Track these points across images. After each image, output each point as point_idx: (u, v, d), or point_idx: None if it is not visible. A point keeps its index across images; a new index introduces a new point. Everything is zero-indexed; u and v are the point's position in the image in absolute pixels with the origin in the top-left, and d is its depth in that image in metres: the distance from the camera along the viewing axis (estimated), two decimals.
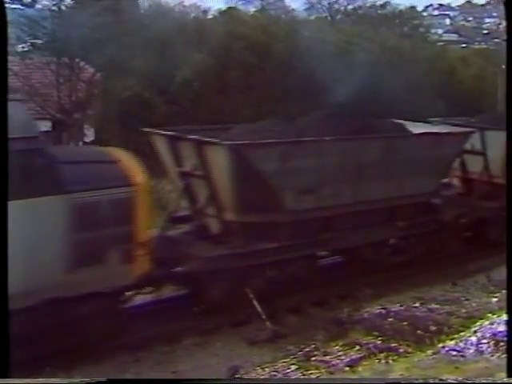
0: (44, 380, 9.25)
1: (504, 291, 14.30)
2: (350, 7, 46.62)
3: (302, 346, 11.75)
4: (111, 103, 25.10)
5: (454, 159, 16.60)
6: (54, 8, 23.57)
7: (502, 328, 9.92)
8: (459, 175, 18.16)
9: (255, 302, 12.53)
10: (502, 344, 9.54)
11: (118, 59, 24.19)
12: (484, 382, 7.87)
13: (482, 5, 79.17)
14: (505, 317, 10.18)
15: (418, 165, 15.12)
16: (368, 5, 46.23)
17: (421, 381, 7.93)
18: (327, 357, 11.15)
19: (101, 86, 25.02)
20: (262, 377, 10.46)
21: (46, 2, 23.55)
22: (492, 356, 9.34)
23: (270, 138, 13.46)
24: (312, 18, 43.82)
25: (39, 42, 23.02)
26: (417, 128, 16.25)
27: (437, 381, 7.82)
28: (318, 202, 13.68)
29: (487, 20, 75.86)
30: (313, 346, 11.72)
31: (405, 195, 15.08)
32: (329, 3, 46.74)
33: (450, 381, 7.86)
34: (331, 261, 15.44)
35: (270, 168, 12.89)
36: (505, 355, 9.16)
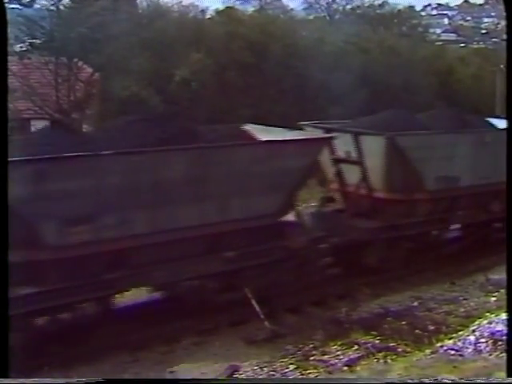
0: (44, 380, 9.25)
1: (502, 290, 14.37)
2: (349, 7, 46.75)
3: (301, 346, 11.72)
4: (109, 103, 25.10)
5: (306, 172, 13.43)
6: (52, 8, 23.56)
7: (500, 327, 9.93)
8: (336, 188, 15.93)
9: (253, 302, 12.51)
10: (500, 343, 9.55)
11: (116, 59, 24.21)
12: (484, 382, 7.87)
13: (481, 4, 79.24)
14: (503, 316, 10.20)
15: (251, 181, 12.42)
16: (366, 4, 46.35)
17: (427, 380, 7.92)
18: (326, 356, 11.13)
19: (99, 85, 25.01)
20: (260, 376, 10.45)
21: (45, 2, 23.56)
22: (490, 355, 9.34)
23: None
24: (310, 17, 43.91)
25: (37, 41, 23.00)
26: (273, 135, 13.82)
27: (438, 380, 7.83)
28: (95, 234, 10.92)
29: (485, 20, 75.88)
30: (311, 345, 11.69)
31: (233, 219, 12.27)
32: (327, 3, 46.89)
33: (450, 381, 7.87)
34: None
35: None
36: (503, 354, 9.18)
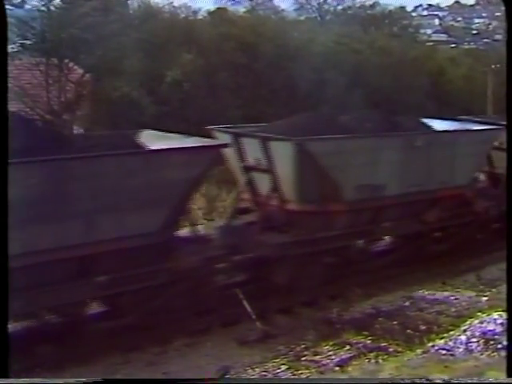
0: (44, 380, 9.25)
1: (494, 290, 14.46)
2: (340, 8, 46.82)
3: (293, 346, 11.76)
4: (100, 104, 25.07)
5: (194, 184, 12.20)
6: (43, 8, 23.52)
7: (492, 327, 9.99)
8: (248, 199, 14.68)
9: (245, 302, 12.52)
10: (491, 342, 9.59)
11: (107, 60, 24.16)
12: (484, 382, 7.90)
13: (472, 5, 79.51)
14: (495, 315, 10.26)
15: (125, 195, 11.02)
16: (357, 5, 46.46)
17: (424, 380, 7.95)
18: (317, 357, 11.16)
19: (90, 86, 24.98)
20: (252, 377, 10.47)
21: (35, 3, 23.51)
22: (481, 355, 9.38)
23: None
24: (301, 18, 43.96)
25: (28, 42, 22.95)
26: (169, 142, 12.55)
27: (438, 380, 7.85)
28: None
29: (476, 20, 76.11)
30: (303, 346, 11.73)
31: (101, 240, 10.83)
32: (318, 4, 46.95)
33: (451, 381, 7.90)
34: None
35: None
36: (495, 353, 9.23)
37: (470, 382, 8.00)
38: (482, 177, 18.24)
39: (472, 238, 17.13)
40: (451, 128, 17.10)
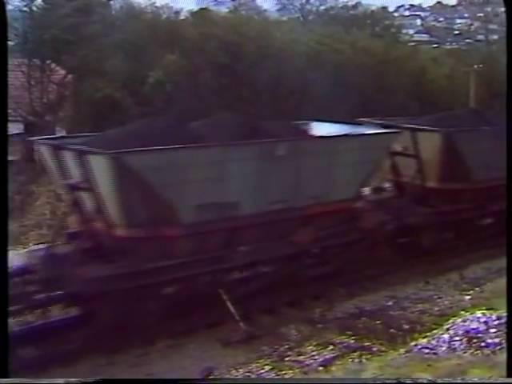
0: (44, 380, 9.22)
1: (477, 289, 14.53)
2: (322, 8, 46.88)
3: (276, 347, 11.75)
4: (83, 105, 25.01)
5: None
6: (25, 9, 23.45)
7: (475, 325, 10.00)
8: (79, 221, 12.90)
9: (229, 304, 12.49)
10: (474, 341, 9.62)
11: (89, 61, 24.11)
12: (485, 382, 7.92)
13: (453, 6, 79.87)
14: (478, 314, 10.29)
15: None
16: (340, 5, 46.53)
17: (425, 381, 7.97)
18: (301, 357, 11.17)
19: (72, 87, 24.92)
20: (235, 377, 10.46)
21: (17, 3, 23.44)
22: (464, 353, 9.40)
23: None
24: (284, 18, 43.98)
25: (10, 43, 22.87)
26: None
27: (438, 381, 7.87)
28: None
29: (458, 21, 76.48)
30: (286, 346, 11.72)
31: None
32: (301, 4, 47.01)
33: (450, 381, 7.93)
34: None
35: None
36: (478, 352, 9.26)
37: (469, 382, 8.01)
38: (378, 188, 16.79)
39: (360, 258, 14.95)
40: (337, 132, 14.88)
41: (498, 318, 10.18)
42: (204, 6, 39.21)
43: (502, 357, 8.96)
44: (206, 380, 10.11)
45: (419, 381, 7.71)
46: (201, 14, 33.46)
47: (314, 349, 11.38)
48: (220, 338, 12.22)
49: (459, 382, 7.95)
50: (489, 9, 78.35)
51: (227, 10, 39.92)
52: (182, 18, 34.26)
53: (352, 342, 11.71)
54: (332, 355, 11.10)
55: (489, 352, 9.29)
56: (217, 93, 26.98)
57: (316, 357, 11.09)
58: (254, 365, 10.95)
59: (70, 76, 24.40)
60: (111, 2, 31.09)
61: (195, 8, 37.27)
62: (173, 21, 31.65)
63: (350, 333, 12.08)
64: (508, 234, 8.57)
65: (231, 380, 10.25)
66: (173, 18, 32.78)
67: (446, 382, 7.86)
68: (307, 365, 10.81)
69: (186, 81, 26.61)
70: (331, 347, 11.41)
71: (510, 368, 7.51)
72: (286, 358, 11.21)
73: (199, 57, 27.50)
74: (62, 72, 24.16)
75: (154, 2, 32.21)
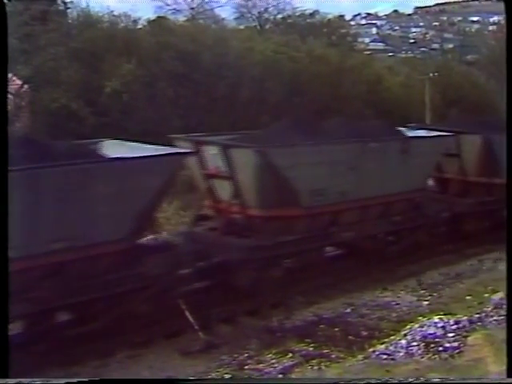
0: (44, 380, 9.13)
1: (435, 294, 14.68)
2: (280, 16, 47.00)
3: (236, 356, 11.75)
4: (39, 115, 24.78)
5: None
6: None
7: (432, 330, 10.12)
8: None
9: (187, 313, 12.48)
10: (432, 346, 9.73)
11: (45, 70, 23.91)
12: (485, 382, 7.99)
13: (409, 14, 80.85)
14: (435, 319, 10.42)
15: None
16: (297, 14, 46.69)
17: (423, 380, 8.03)
18: (260, 365, 11.18)
19: (28, 97, 24.69)
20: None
21: None
22: (422, 358, 9.50)
23: None
24: (241, 27, 44.04)
25: None
26: None
27: (437, 380, 7.95)
28: None
29: (414, 29, 77.39)
30: (246, 354, 11.73)
31: None
32: (259, 12, 47.02)
33: (451, 381, 8.01)
34: None
35: None
36: (435, 356, 9.37)
37: (469, 381, 8.09)
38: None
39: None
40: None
41: (456, 323, 10.35)
42: (161, 15, 39.12)
43: (460, 360, 9.12)
44: (205, 380, 10.12)
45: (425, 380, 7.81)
46: (158, 23, 33.34)
47: (274, 357, 11.39)
48: (179, 347, 12.20)
49: (459, 381, 8.04)
50: (444, 18, 79.48)
51: (185, 19, 39.90)
52: (139, 26, 34.10)
53: (311, 349, 11.75)
54: (291, 363, 11.11)
55: (447, 356, 9.42)
56: (174, 102, 26.89)
57: (275, 365, 11.10)
58: (213, 374, 10.95)
59: (26, 86, 24.18)
60: (68, 11, 30.84)
61: (153, 17, 37.17)
62: (130, 30, 31.44)
63: (308, 340, 12.12)
64: (508, 234, 8.66)
65: (231, 380, 10.28)
66: (130, 27, 32.61)
67: (447, 382, 7.94)
68: (266, 373, 10.82)
69: (142, 90, 26.49)
70: (290, 355, 11.42)
71: (510, 368, 7.56)
72: (246, 367, 11.22)
73: (156, 66, 27.40)
74: (19, 82, 23.93)
75: (112, 11, 32.03)
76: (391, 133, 16.99)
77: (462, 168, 18.65)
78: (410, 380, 8.07)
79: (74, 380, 7.37)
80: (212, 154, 14.02)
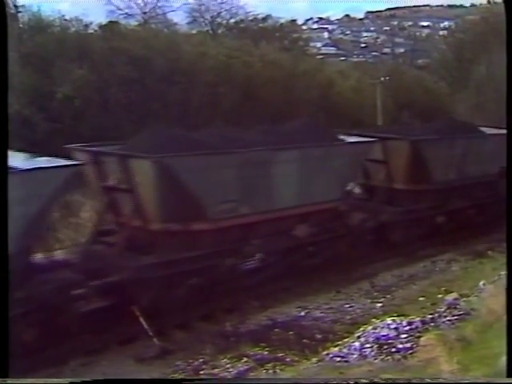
0: (44, 380, 9.02)
1: (389, 296, 14.82)
2: (232, 21, 46.95)
3: (191, 361, 11.75)
4: None
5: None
6: None
7: (385, 332, 10.22)
8: None
9: (142, 319, 12.42)
10: (385, 347, 9.82)
11: None
12: (485, 382, 8.05)
13: (361, 19, 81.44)
14: (388, 321, 10.51)
15: None
16: (250, 18, 46.68)
17: (423, 380, 8.07)
18: (215, 370, 11.20)
19: None
20: None
21: None
22: (375, 359, 9.58)
23: None
24: (194, 31, 43.92)
25: None
26: None
27: (439, 380, 7.99)
28: None
29: (365, 34, 77.97)
30: (201, 360, 11.73)
31: None
32: (211, 17, 46.88)
33: (451, 381, 8.05)
34: None
35: None
36: (388, 357, 9.46)
37: (470, 381, 8.15)
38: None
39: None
40: None
41: (409, 324, 10.46)
42: (113, 20, 38.82)
43: (413, 361, 9.22)
44: (205, 380, 10.09)
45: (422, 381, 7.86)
46: (110, 28, 33.07)
47: (229, 361, 11.42)
48: (133, 354, 12.15)
49: (459, 381, 8.10)
50: (395, 22, 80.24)
51: (137, 24, 39.66)
52: (90, 31, 33.80)
53: (266, 353, 11.81)
54: (246, 367, 11.16)
55: (399, 357, 9.51)
56: (126, 107, 26.74)
57: (230, 369, 11.14)
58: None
59: None
60: (19, 15, 30.41)
61: (104, 21, 36.87)
62: (82, 34, 31.13)
63: (263, 344, 12.18)
64: (508, 233, 8.75)
65: (231, 380, 10.25)
66: (82, 32, 32.32)
67: (446, 382, 8.00)
68: (222, 377, 10.84)
69: (95, 96, 26.30)
70: (245, 359, 11.47)
71: (510, 368, 7.63)
72: (201, 372, 11.23)
73: (108, 71, 27.20)
74: None
75: (63, 15, 31.69)
76: (314, 137, 15.85)
77: (389, 175, 18.10)
78: (410, 380, 8.13)
79: (78, 380, 7.33)
80: (111, 165, 13.32)
